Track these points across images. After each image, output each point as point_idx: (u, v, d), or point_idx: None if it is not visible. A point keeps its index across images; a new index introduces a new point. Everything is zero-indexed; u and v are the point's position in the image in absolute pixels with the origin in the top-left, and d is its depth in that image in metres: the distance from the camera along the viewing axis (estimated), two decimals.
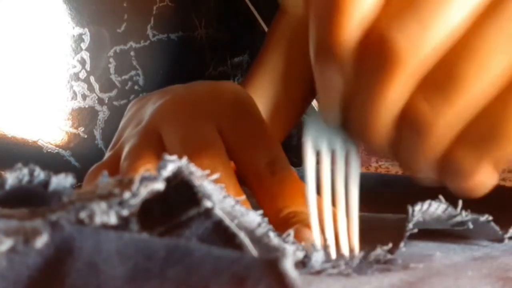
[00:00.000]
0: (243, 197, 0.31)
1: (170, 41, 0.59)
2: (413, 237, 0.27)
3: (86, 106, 0.54)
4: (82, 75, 0.53)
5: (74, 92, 0.53)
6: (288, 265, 0.16)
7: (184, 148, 0.33)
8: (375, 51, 0.22)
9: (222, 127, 0.34)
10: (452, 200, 0.28)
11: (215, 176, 0.23)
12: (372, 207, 0.35)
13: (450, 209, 0.28)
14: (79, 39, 0.53)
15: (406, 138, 0.23)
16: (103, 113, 0.54)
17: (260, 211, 0.25)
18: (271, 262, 0.17)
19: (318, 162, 0.27)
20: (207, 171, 0.23)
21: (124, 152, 0.35)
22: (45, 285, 0.17)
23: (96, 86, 0.54)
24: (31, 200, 0.21)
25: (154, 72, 0.58)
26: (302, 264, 0.25)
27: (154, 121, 0.36)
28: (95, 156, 0.49)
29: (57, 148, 0.53)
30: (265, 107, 0.55)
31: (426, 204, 0.27)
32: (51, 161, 0.53)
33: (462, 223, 0.28)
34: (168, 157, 0.21)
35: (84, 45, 0.53)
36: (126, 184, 0.19)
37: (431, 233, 0.30)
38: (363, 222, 0.27)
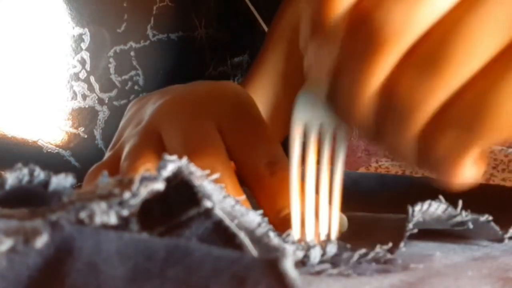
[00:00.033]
0: (243, 197, 0.31)
1: (170, 41, 0.59)
2: (413, 237, 0.27)
3: (86, 106, 0.54)
4: (82, 75, 0.53)
5: (74, 92, 0.53)
6: (288, 265, 0.16)
7: (184, 148, 0.33)
8: (362, 28, 0.22)
9: (222, 127, 0.34)
10: (452, 200, 0.28)
11: (215, 176, 0.23)
12: (372, 207, 0.35)
13: (450, 209, 0.28)
14: (79, 39, 0.53)
15: (390, 116, 0.24)
16: (103, 113, 0.54)
17: (260, 211, 0.25)
18: (271, 262, 0.17)
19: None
20: (207, 171, 0.23)
21: (124, 152, 0.35)
22: (45, 285, 0.17)
23: (96, 86, 0.54)
24: (31, 200, 0.21)
25: (154, 72, 0.58)
26: (302, 264, 0.25)
27: (154, 121, 0.36)
28: (95, 156, 0.49)
29: (57, 148, 0.53)
30: (265, 107, 0.55)
31: (426, 204, 0.27)
32: (51, 161, 0.53)
33: (462, 223, 0.28)
34: (168, 157, 0.21)
35: (84, 45, 0.53)
36: (126, 184, 0.19)
37: (431, 233, 0.30)
38: (363, 222, 0.27)
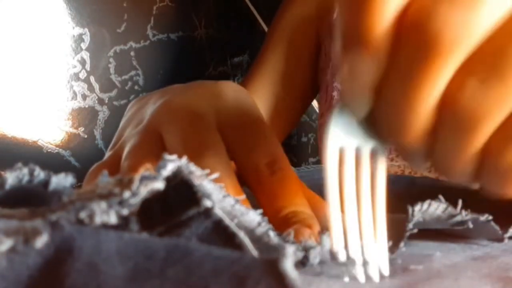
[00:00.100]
0: (243, 196, 0.31)
1: (170, 41, 0.59)
2: (413, 237, 0.27)
3: (86, 106, 0.54)
4: (82, 75, 0.53)
5: (74, 92, 0.53)
6: (288, 265, 0.16)
7: (184, 148, 0.33)
8: (415, 39, 0.20)
9: (222, 127, 0.34)
10: (452, 200, 0.28)
11: (215, 175, 0.23)
12: None
13: (450, 209, 0.28)
14: (79, 39, 0.53)
15: (447, 132, 0.22)
16: (103, 113, 0.54)
17: (260, 211, 0.25)
18: (271, 262, 0.17)
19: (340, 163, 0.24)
20: (207, 171, 0.23)
21: (125, 152, 0.35)
22: (45, 285, 0.17)
23: (96, 86, 0.54)
24: (31, 200, 0.21)
25: (154, 72, 0.58)
26: (302, 264, 0.25)
27: (154, 121, 0.36)
28: (95, 156, 0.49)
29: (57, 148, 0.53)
30: (265, 107, 0.55)
31: (426, 204, 0.27)
32: (51, 161, 0.53)
33: (462, 222, 0.28)
34: (168, 156, 0.21)
35: (84, 45, 0.53)
36: (126, 183, 0.19)
37: (431, 233, 0.30)
38: None
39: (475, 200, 0.28)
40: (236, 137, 0.34)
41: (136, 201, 0.19)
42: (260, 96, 0.55)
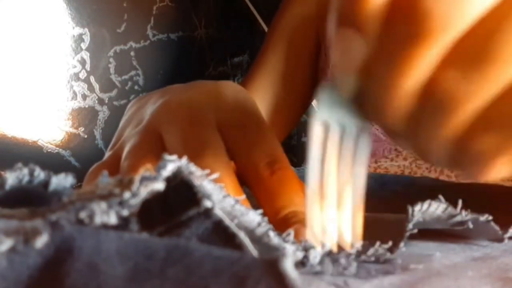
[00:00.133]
0: (243, 197, 0.31)
1: (170, 41, 0.59)
2: (413, 237, 0.27)
3: (86, 106, 0.54)
4: (82, 75, 0.53)
5: (74, 92, 0.53)
6: (288, 265, 0.16)
7: (184, 148, 0.33)
8: (406, 19, 0.20)
9: (222, 127, 0.34)
10: (452, 200, 0.28)
11: (215, 175, 0.23)
12: (372, 207, 0.35)
13: (450, 209, 0.28)
14: (79, 39, 0.53)
15: (427, 115, 0.22)
16: (103, 113, 0.54)
17: (260, 211, 0.25)
18: (271, 262, 0.17)
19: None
20: (207, 171, 0.23)
21: (125, 152, 0.35)
22: (45, 285, 0.17)
23: (96, 86, 0.54)
24: (31, 200, 0.21)
25: (154, 72, 0.58)
26: (302, 264, 0.25)
27: (154, 121, 0.36)
28: (95, 156, 0.49)
29: (57, 148, 0.53)
30: (265, 107, 0.55)
31: (426, 204, 0.27)
32: (51, 161, 0.53)
33: (462, 223, 0.28)
34: (168, 157, 0.21)
35: (84, 45, 0.53)
36: (126, 184, 0.19)
37: (431, 233, 0.30)
38: (362, 222, 0.27)
39: (475, 200, 0.28)
40: (236, 137, 0.34)
41: (136, 201, 0.19)
42: (260, 96, 0.55)
